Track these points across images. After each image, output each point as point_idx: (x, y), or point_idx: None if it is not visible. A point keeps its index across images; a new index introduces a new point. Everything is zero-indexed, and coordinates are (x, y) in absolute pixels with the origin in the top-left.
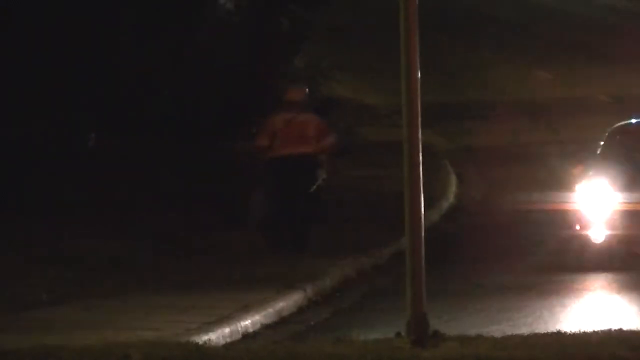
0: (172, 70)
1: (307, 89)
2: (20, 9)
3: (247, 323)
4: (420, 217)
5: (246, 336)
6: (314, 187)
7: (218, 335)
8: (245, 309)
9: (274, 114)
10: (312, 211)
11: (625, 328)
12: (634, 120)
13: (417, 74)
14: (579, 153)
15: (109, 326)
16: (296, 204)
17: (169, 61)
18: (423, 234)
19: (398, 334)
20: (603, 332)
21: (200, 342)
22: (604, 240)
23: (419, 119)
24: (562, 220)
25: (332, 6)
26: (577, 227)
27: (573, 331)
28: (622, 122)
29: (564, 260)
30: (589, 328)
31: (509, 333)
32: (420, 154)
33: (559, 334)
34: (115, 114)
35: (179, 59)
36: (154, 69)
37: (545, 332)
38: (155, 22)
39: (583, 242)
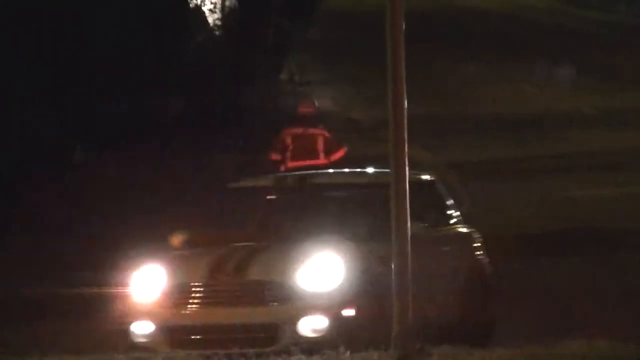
0: (158, 84)
1: (316, 103)
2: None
3: None
4: (407, 233)
5: (231, 355)
6: None
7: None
8: None
9: (285, 128)
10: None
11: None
12: (250, 179)
13: (404, 88)
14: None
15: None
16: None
17: (154, 75)
18: (409, 249)
19: (385, 350)
20: (589, 344)
21: None
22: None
23: (405, 132)
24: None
25: (317, 19)
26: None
27: (564, 344)
28: (247, 179)
29: None
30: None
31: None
32: (407, 168)
33: (547, 347)
34: (101, 128)
35: (164, 73)
36: (139, 83)
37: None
38: (141, 36)
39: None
